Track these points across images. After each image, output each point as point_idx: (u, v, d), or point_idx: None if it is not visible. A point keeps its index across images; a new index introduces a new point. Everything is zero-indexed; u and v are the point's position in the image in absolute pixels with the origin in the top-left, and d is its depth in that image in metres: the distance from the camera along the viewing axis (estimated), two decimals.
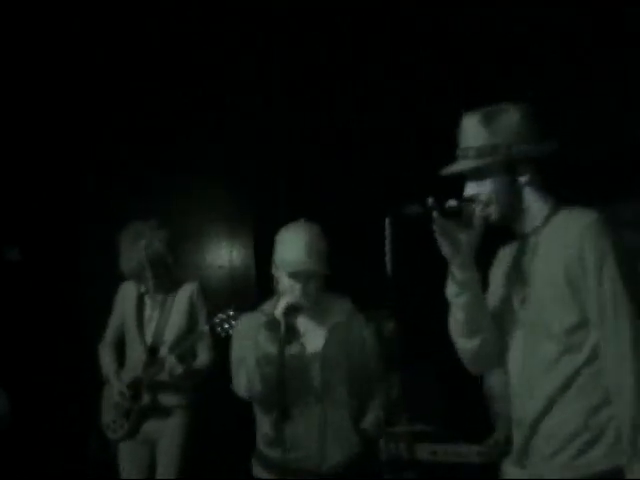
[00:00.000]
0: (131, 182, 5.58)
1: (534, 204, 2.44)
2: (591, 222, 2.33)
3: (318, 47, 5.27)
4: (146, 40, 5.39)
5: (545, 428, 2.38)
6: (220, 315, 4.24)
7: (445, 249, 2.40)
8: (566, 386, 2.35)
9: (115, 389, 4.44)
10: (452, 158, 2.46)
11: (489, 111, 2.44)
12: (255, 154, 5.55)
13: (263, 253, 5.62)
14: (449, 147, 2.47)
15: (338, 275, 5.32)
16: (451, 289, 2.47)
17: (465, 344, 2.49)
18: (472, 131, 2.43)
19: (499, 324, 2.50)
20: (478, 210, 2.40)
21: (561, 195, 2.45)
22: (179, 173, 5.62)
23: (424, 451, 4.02)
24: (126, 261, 4.46)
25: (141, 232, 4.45)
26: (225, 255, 5.83)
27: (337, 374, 3.39)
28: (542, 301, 2.38)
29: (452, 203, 2.39)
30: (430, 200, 2.35)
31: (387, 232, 2.43)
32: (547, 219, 2.42)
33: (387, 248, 2.45)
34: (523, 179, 2.43)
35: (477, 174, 2.43)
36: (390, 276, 2.87)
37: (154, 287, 4.50)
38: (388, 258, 2.53)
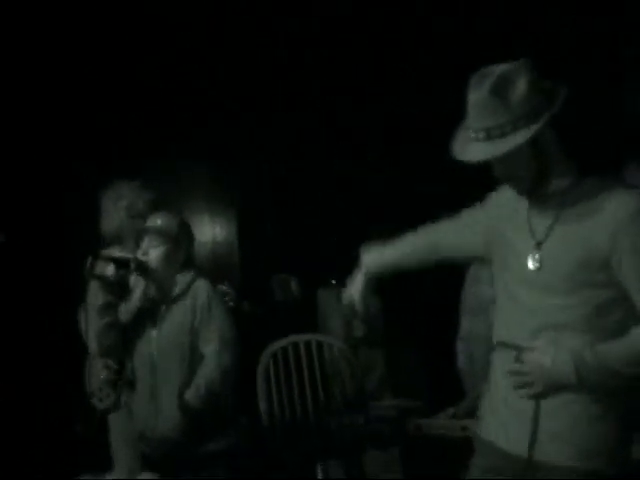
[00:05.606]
0: (116, 161, 5.57)
1: (557, 166, 2.36)
2: (630, 206, 2.25)
3: (316, 46, 5.29)
4: (143, 34, 5.40)
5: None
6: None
7: None
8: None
9: (100, 362, 4.35)
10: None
11: (496, 82, 2.24)
12: (239, 134, 5.57)
13: (246, 229, 5.69)
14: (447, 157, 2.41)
15: (323, 254, 5.36)
16: None
17: None
18: (487, 108, 2.25)
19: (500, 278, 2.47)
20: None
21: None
22: (164, 153, 5.62)
23: (408, 426, 4.07)
24: (107, 222, 4.33)
25: (124, 192, 4.32)
26: (208, 232, 5.84)
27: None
28: (561, 269, 2.32)
29: None
30: None
31: None
32: (574, 186, 2.35)
33: None
34: (546, 143, 2.33)
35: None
36: None
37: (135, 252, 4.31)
38: None
